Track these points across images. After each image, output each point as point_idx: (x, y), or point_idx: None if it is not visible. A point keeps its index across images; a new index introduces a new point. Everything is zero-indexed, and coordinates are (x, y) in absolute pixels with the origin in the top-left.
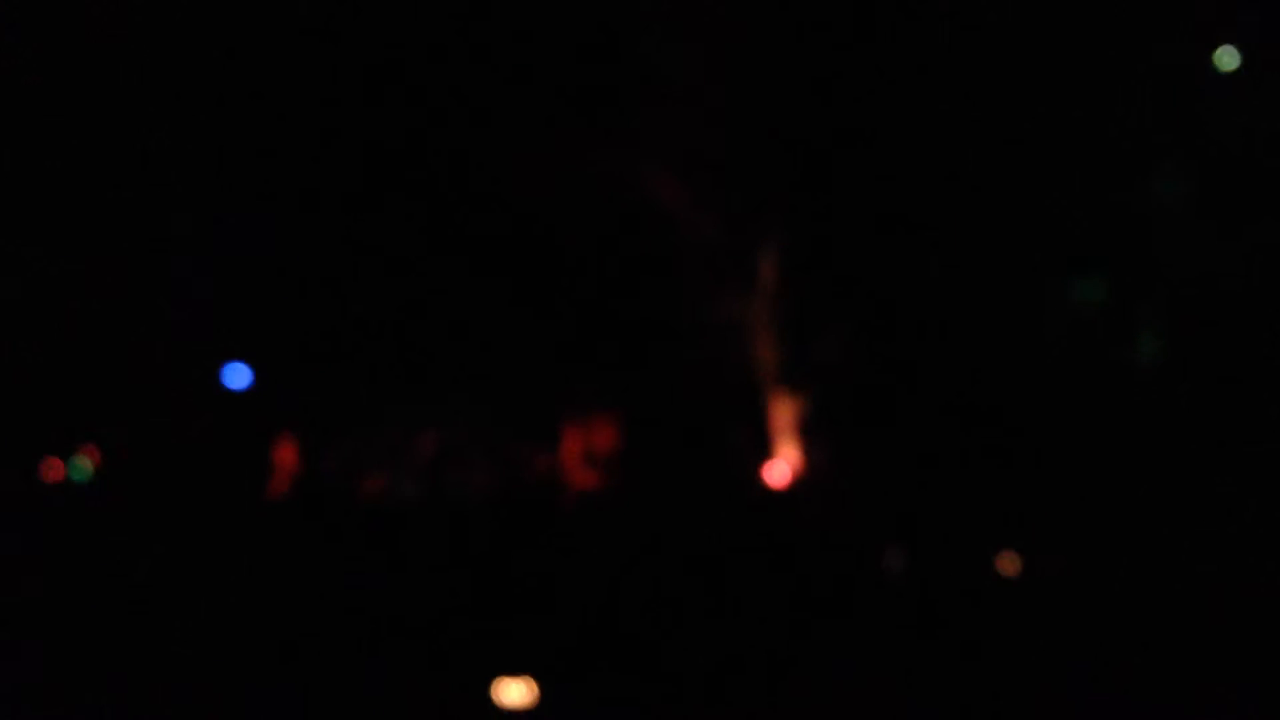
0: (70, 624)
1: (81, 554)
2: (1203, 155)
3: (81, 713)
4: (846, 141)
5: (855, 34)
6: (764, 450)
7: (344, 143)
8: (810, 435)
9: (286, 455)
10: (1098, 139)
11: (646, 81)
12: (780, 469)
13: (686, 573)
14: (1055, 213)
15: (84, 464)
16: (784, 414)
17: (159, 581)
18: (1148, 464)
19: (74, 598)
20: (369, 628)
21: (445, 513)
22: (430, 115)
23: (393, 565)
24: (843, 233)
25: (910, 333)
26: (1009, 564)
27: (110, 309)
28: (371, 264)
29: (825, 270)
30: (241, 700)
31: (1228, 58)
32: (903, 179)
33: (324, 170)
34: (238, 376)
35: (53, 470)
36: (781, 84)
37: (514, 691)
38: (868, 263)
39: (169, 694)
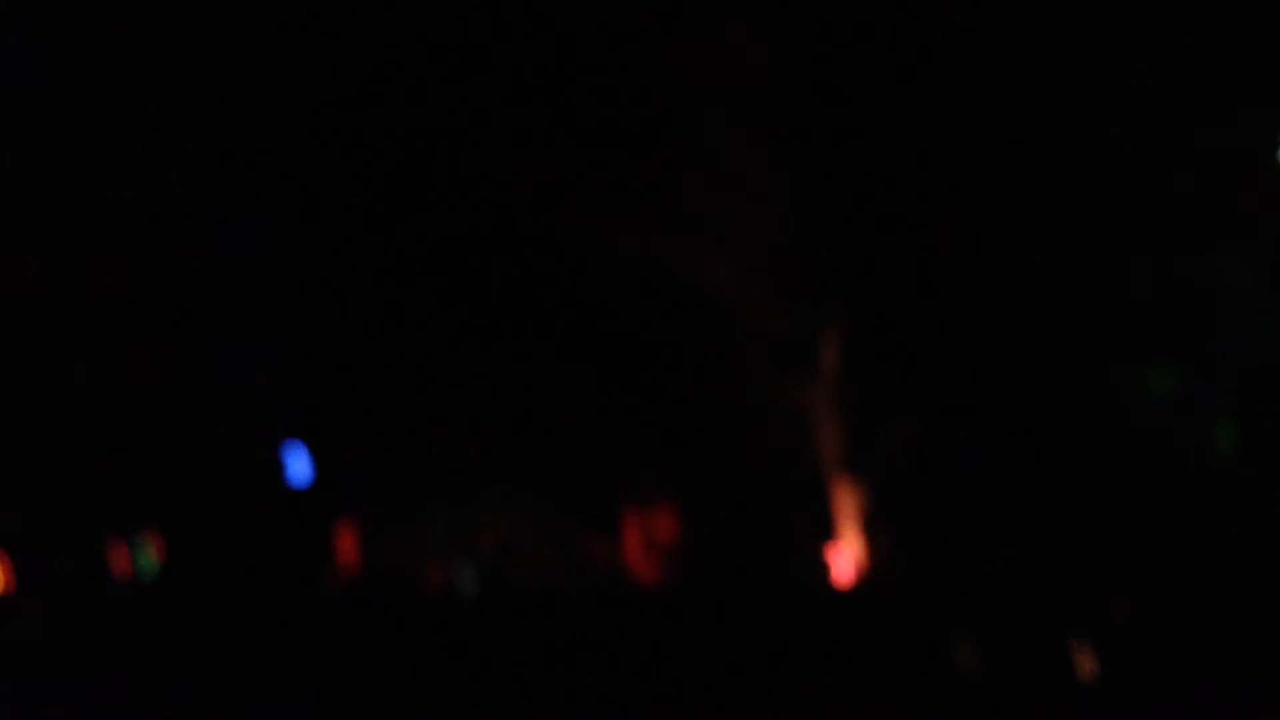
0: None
1: (148, 643)
2: (1271, 238)
3: None
4: (911, 228)
5: (919, 120)
6: (828, 539)
7: (413, 231)
8: (875, 525)
9: (347, 544)
10: (1166, 224)
11: (707, 170)
12: (844, 558)
13: (750, 665)
14: (1125, 299)
15: (150, 555)
16: (848, 503)
17: (221, 667)
18: (1227, 555)
19: (144, 682)
20: (428, 713)
21: (506, 604)
22: (496, 206)
23: (452, 656)
24: (907, 319)
25: (978, 421)
26: (1087, 662)
27: (171, 400)
28: (437, 354)
29: (889, 357)
30: None
31: None
32: (969, 266)
33: (390, 261)
34: (300, 468)
35: (121, 561)
36: (844, 172)
37: None
38: (933, 350)
39: None
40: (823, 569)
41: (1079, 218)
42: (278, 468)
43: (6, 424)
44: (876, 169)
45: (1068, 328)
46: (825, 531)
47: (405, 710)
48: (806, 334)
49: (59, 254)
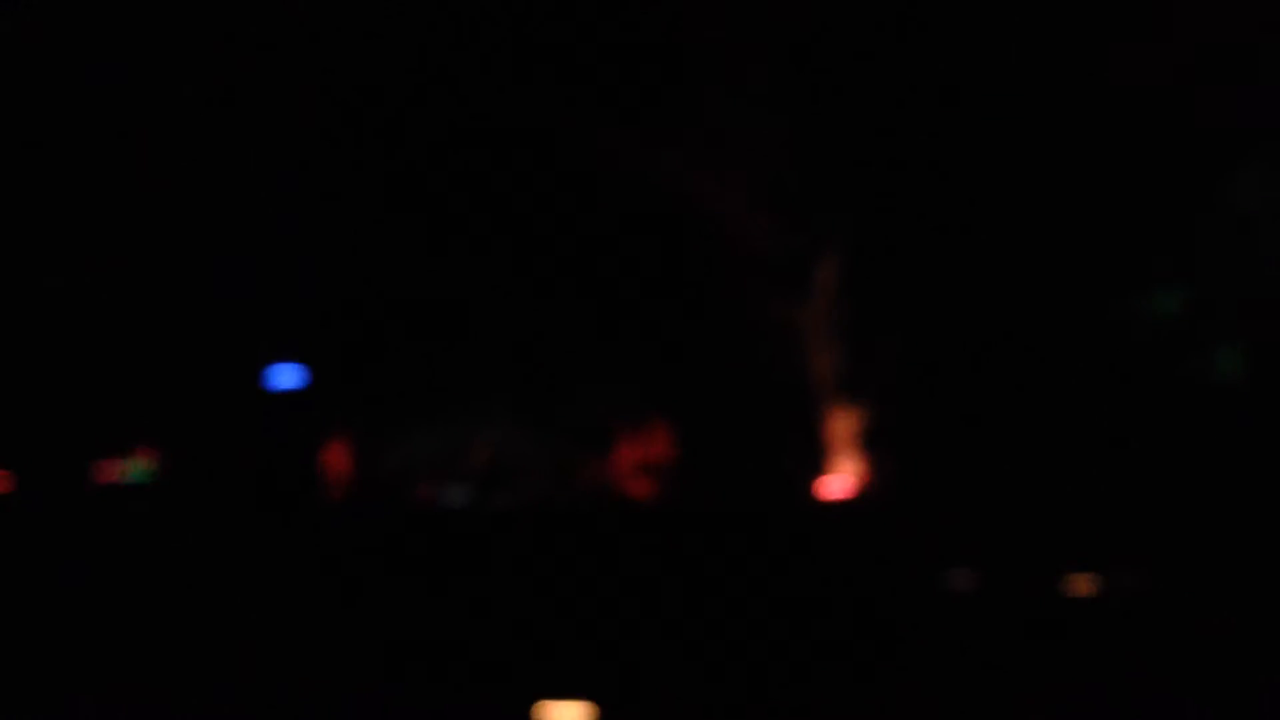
0: (122, 621)
1: (137, 554)
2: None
3: (129, 708)
4: (910, 143)
5: (922, 36)
6: (821, 463)
7: (406, 145)
8: (869, 447)
9: (340, 460)
10: (1174, 144)
11: (704, 85)
12: (837, 483)
13: (740, 589)
14: (1130, 221)
15: (142, 465)
16: (842, 425)
17: (210, 582)
18: (1225, 479)
19: (128, 596)
20: (416, 637)
21: (497, 521)
22: (488, 120)
23: (442, 573)
24: (904, 238)
25: (975, 343)
26: (1083, 585)
27: (165, 311)
28: (428, 270)
29: (886, 277)
30: (279, 704)
31: None
32: (970, 182)
33: (382, 172)
34: (285, 377)
35: (112, 470)
36: (843, 86)
37: (563, 715)
38: (931, 269)
39: (211, 693)
40: (818, 491)
41: (1084, 137)
42: (269, 383)
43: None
44: (880, 82)
45: (1070, 250)
46: (821, 454)
47: (398, 625)
48: (803, 252)
49: (46, 165)
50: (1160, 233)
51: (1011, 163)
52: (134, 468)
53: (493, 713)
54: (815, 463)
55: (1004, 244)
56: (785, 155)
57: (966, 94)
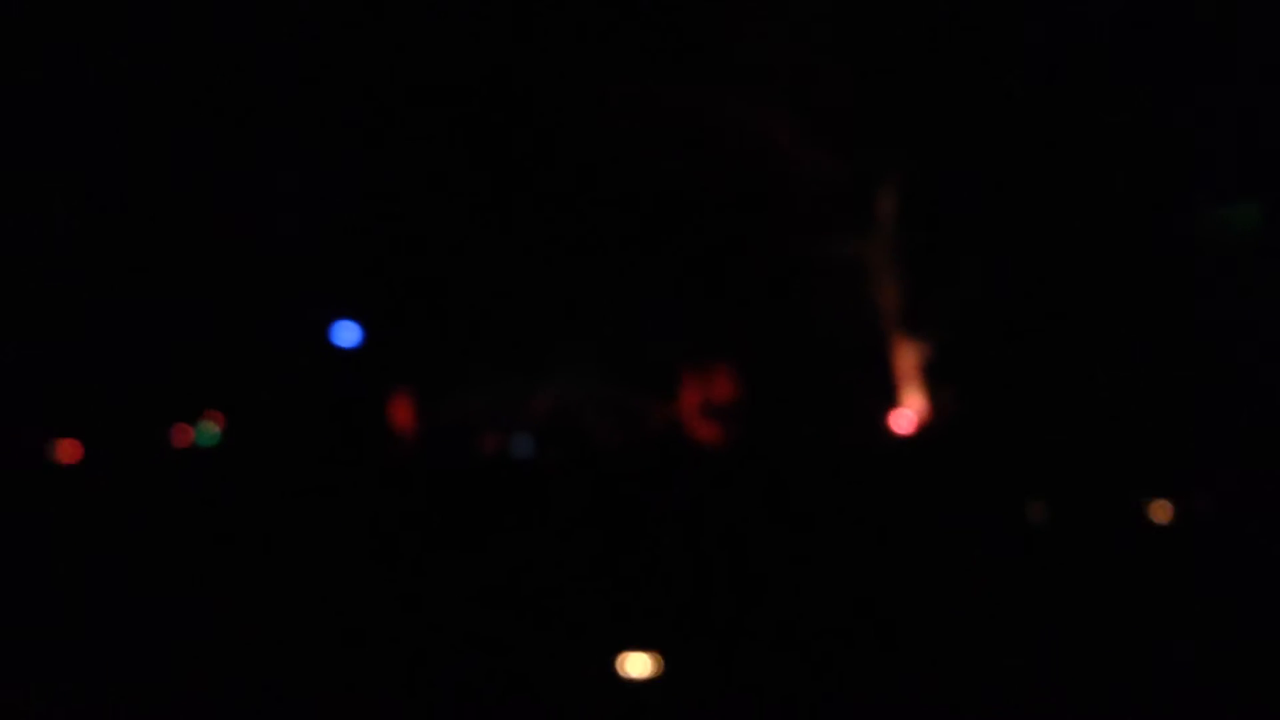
0: (199, 582)
1: (208, 517)
2: None
3: (211, 666)
4: (974, 70)
5: None
6: (889, 398)
7: (450, 94)
8: (937, 381)
9: (404, 414)
10: (1243, 52)
11: (764, 14)
12: (906, 417)
13: (811, 529)
14: (1200, 129)
15: (210, 429)
16: (908, 360)
17: (280, 543)
18: None
19: (202, 559)
20: (487, 589)
21: (562, 470)
22: (532, 56)
23: (510, 524)
24: (969, 165)
25: (1043, 271)
26: (1160, 512)
27: (224, 275)
28: (482, 217)
29: (948, 205)
30: (360, 656)
31: None
32: (1036, 104)
33: (432, 121)
34: (347, 334)
35: (181, 435)
36: (904, 11)
37: (638, 664)
38: (997, 196)
39: (288, 649)
40: (884, 429)
41: (1154, 47)
42: (330, 341)
43: (68, 314)
44: (944, 12)
45: (1140, 165)
46: (886, 391)
47: (463, 576)
48: (864, 185)
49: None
50: (1232, 145)
51: (1079, 78)
52: (203, 432)
53: (570, 664)
54: (883, 398)
55: (1071, 164)
56: (840, 84)
57: (1029, 19)
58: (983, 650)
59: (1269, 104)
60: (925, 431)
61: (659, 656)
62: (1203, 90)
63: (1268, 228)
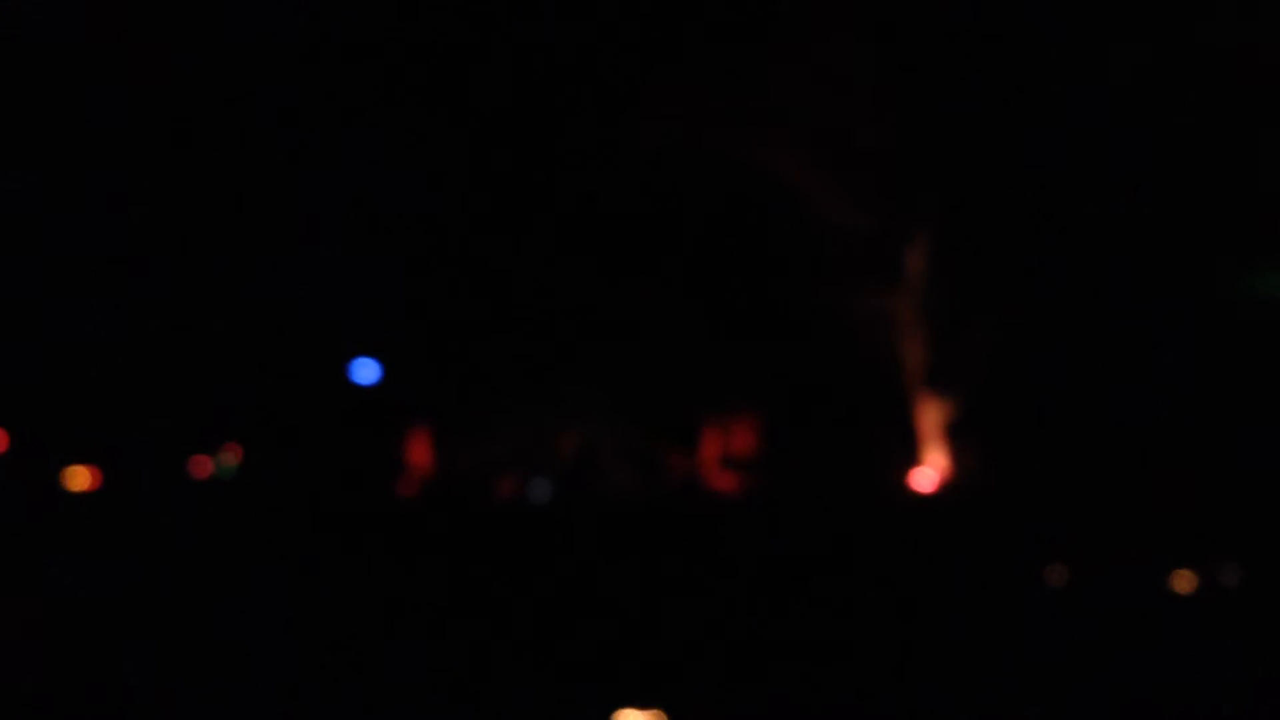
0: (213, 610)
1: (226, 546)
2: None
3: (220, 686)
4: (1003, 124)
5: (1013, 20)
6: (910, 454)
7: (480, 135)
8: (960, 439)
9: (421, 453)
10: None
11: (797, 62)
12: (927, 475)
13: (829, 583)
14: (1229, 197)
15: (228, 461)
16: (932, 415)
17: (294, 574)
18: None
19: (217, 587)
20: (498, 629)
21: (581, 515)
22: (567, 106)
23: (525, 567)
24: (995, 222)
25: (1069, 330)
26: (1183, 581)
27: (247, 309)
28: (511, 260)
29: (976, 263)
30: (364, 693)
31: None
32: (1064, 162)
33: (460, 163)
34: (366, 372)
35: (201, 467)
36: (935, 68)
37: None
38: (1023, 254)
39: (299, 681)
40: (908, 484)
41: (1186, 106)
42: (350, 378)
43: (89, 345)
44: (973, 63)
45: (1170, 225)
46: (909, 445)
47: (478, 619)
48: (892, 239)
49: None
50: (1264, 208)
51: (1107, 140)
52: (221, 464)
53: (573, 717)
54: (905, 455)
55: (1100, 225)
56: (874, 138)
57: (1056, 72)
58: (997, 713)
59: None
60: (946, 490)
61: (663, 715)
62: (1233, 157)
63: None
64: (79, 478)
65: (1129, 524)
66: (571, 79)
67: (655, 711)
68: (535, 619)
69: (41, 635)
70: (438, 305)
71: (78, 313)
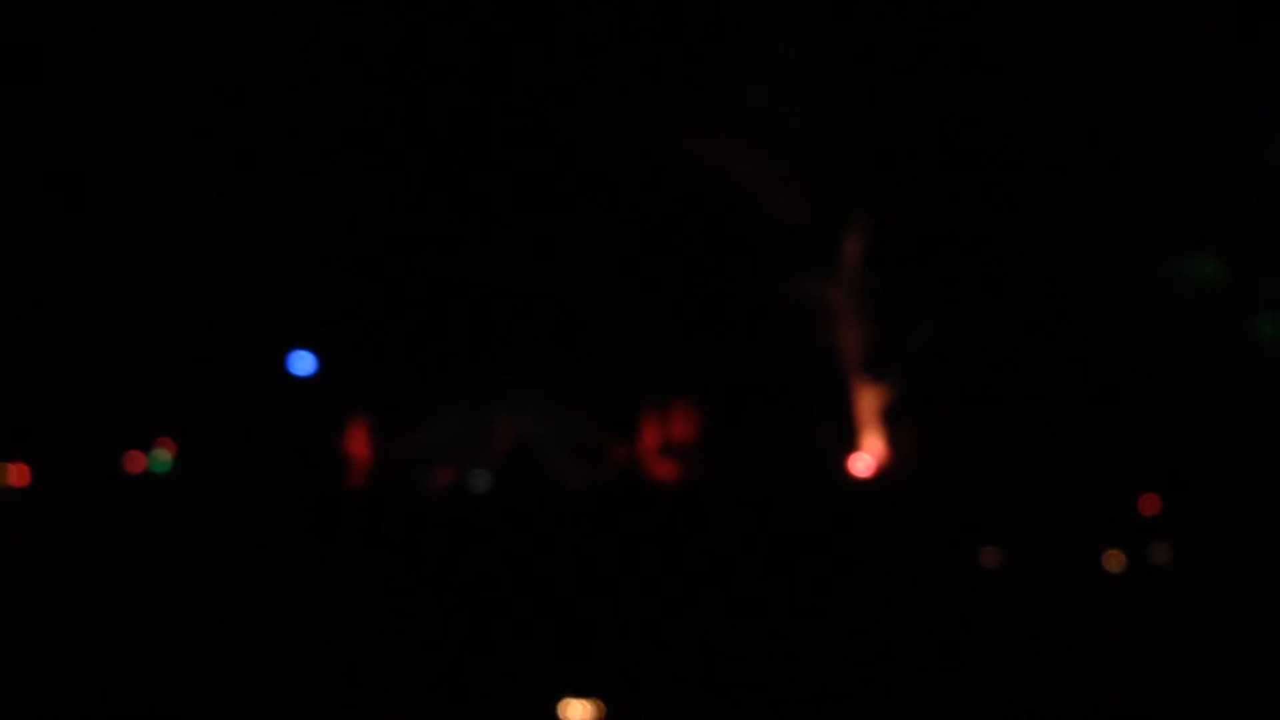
0: (149, 605)
1: (161, 541)
2: None
3: (155, 676)
4: (940, 114)
5: (948, 13)
6: (848, 440)
7: (420, 129)
8: (896, 425)
9: (359, 444)
10: (1210, 111)
11: (736, 56)
12: (864, 460)
13: (768, 568)
14: (1166, 185)
15: (163, 456)
16: (869, 402)
17: (230, 568)
18: (1265, 449)
19: (155, 582)
20: (438, 619)
21: (521, 505)
22: (507, 100)
23: (464, 557)
24: (932, 211)
25: (1003, 317)
26: (1113, 561)
27: (181, 303)
28: (449, 252)
29: (914, 252)
30: (298, 688)
31: None
32: (1001, 151)
33: (400, 156)
34: (303, 364)
35: (134, 463)
36: (873, 57)
37: (578, 711)
38: (961, 243)
39: (217, 685)
40: (844, 470)
41: (1121, 100)
42: (287, 370)
43: (19, 337)
44: (911, 58)
45: (1105, 215)
46: (847, 432)
47: (418, 608)
48: (830, 230)
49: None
50: (1198, 198)
51: (1044, 130)
52: (155, 459)
53: (512, 708)
54: (843, 441)
55: (1033, 214)
56: (811, 131)
57: (994, 63)
58: (932, 690)
59: (1227, 162)
60: (883, 476)
61: (600, 704)
62: (1166, 145)
63: (1226, 281)
64: (10, 474)
65: (1061, 506)
66: (510, 72)
67: (595, 700)
68: (475, 608)
69: None
70: (375, 296)
71: (6, 309)
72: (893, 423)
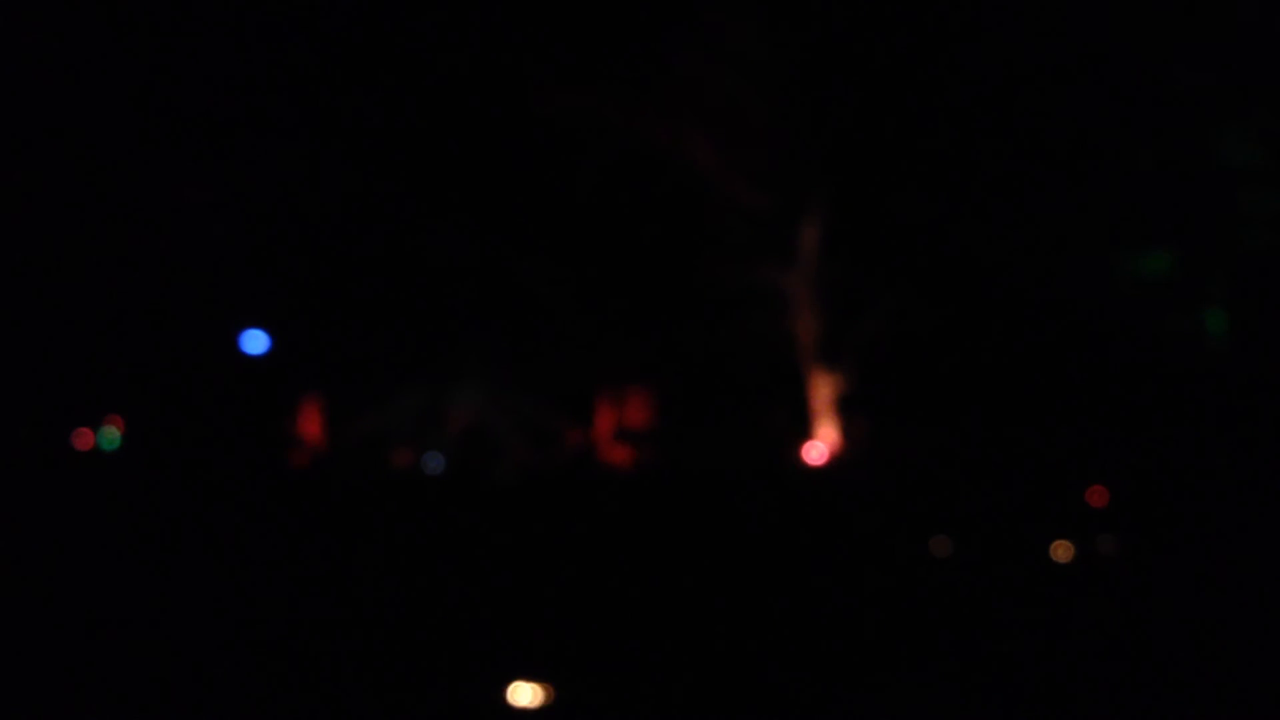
0: (96, 588)
1: (109, 519)
2: (1268, 115)
3: (104, 675)
4: (898, 105)
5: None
6: (802, 428)
7: (383, 109)
8: (849, 413)
9: (312, 425)
10: (1162, 104)
11: (693, 43)
12: (818, 448)
13: (721, 554)
14: (1118, 182)
15: (112, 434)
16: (823, 390)
17: (182, 549)
18: (1212, 443)
19: (101, 563)
20: (387, 606)
21: (473, 489)
22: (466, 81)
23: (417, 539)
24: (890, 202)
25: (960, 308)
26: (1062, 551)
27: (132, 280)
28: (404, 232)
29: (870, 242)
30: (251, 679)
31: None
32: (957, 144)
33: (354, 138)
34: (255, 343)
35: (83, 439)
36: (831, 47)
37: (527, 694)
38: (916, 234)
39: (183, 664)
40: (798, 458)
41: (1072, 98)
42: (238, 349)
43: None
44: (869, 46)
45: (1057, 210)
46: (801, 419)
47: (369, 592)
48: (786, 217)
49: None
50: (1148, 193)
51: (998, 123)
52: (104, 436)
53: (465, 691)
54: (796, 429)
55: (987, 206)
56: (768, 117)
57: (949, 55)
58: (883, 681)
59: (1182, 156)
60: (836, 463)
61: (550, 688)
62: (1120, 140)
63: (1177, 275)
64: None
65: (1011, 497)
66: (469, 56)
67: (545, 684)
68: (428, 592)
69: None
70: (329, 277)
71: None
72: (846, 411)
